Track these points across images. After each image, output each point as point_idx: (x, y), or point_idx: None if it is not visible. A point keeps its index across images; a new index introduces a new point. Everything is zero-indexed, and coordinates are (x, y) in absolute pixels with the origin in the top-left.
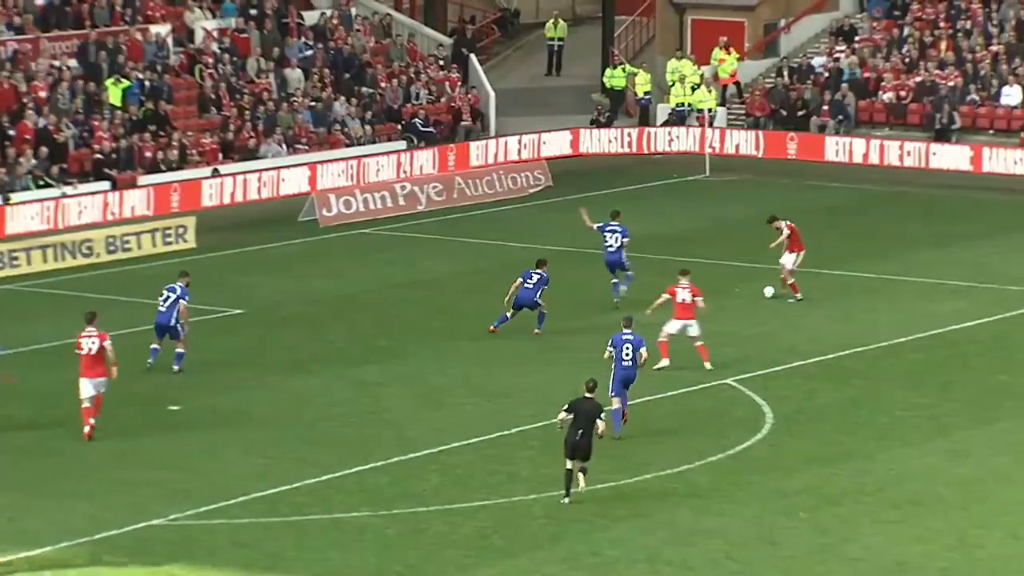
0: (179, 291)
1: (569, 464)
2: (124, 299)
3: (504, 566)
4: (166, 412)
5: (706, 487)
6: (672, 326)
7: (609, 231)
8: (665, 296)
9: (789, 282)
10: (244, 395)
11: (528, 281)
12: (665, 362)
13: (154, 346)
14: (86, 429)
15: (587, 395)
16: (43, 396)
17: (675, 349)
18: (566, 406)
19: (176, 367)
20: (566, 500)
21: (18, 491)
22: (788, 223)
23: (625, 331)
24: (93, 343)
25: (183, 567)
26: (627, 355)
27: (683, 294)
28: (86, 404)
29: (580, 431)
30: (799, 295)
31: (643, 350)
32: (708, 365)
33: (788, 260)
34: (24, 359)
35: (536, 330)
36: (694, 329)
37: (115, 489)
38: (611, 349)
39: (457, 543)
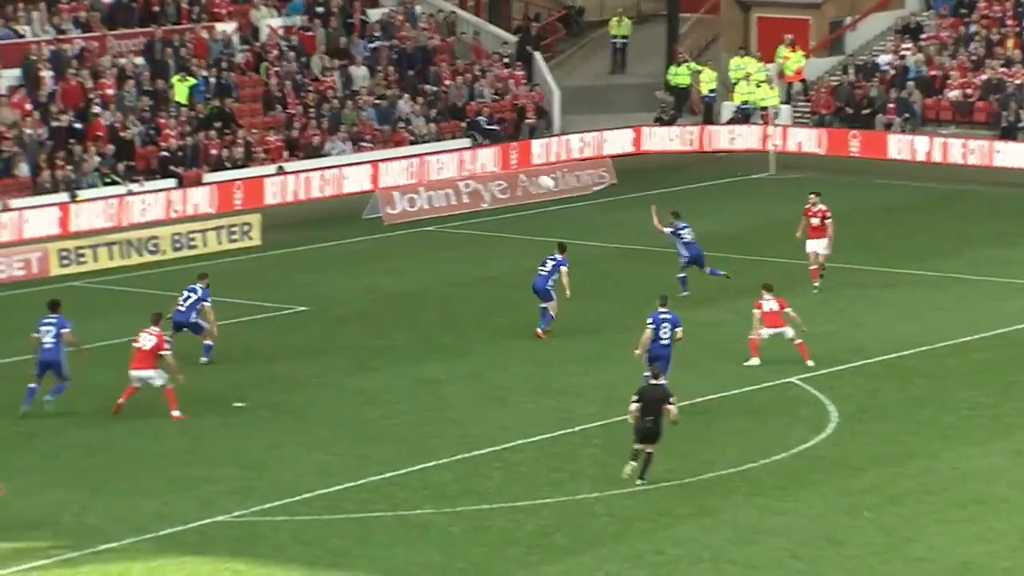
0: (200, 292)
1: (638, 446)
2: None
3: (567, 564)
4: (231, 409)
5: (770, 485)
6: (764, 332)
7: (682, 229)
8: (756, 312)
9: (816, 267)
10: (308, 392)
11: (543, 267)
12: (755, 361)
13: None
14: (120, 400)
15: (653, 382)
16: (109, 392)
17: (736, 349)
18: (635, 396)
19: (205, 359)
20: (628, 470)
21: (84, 487)
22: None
23: (662, 310)
24: (150, 340)
25: (246, 563)
26: (665, 334)
27: (769, 304)
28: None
29: (650, 418)
30: (818, 284)
31: (679, 330)
32: (810, 363)
33: (822, 245)
34: (81, 356)
35: (538, 329)
36: (788, 333)
37: (180, 485)
38: (651, 327)
39: (520, 540)
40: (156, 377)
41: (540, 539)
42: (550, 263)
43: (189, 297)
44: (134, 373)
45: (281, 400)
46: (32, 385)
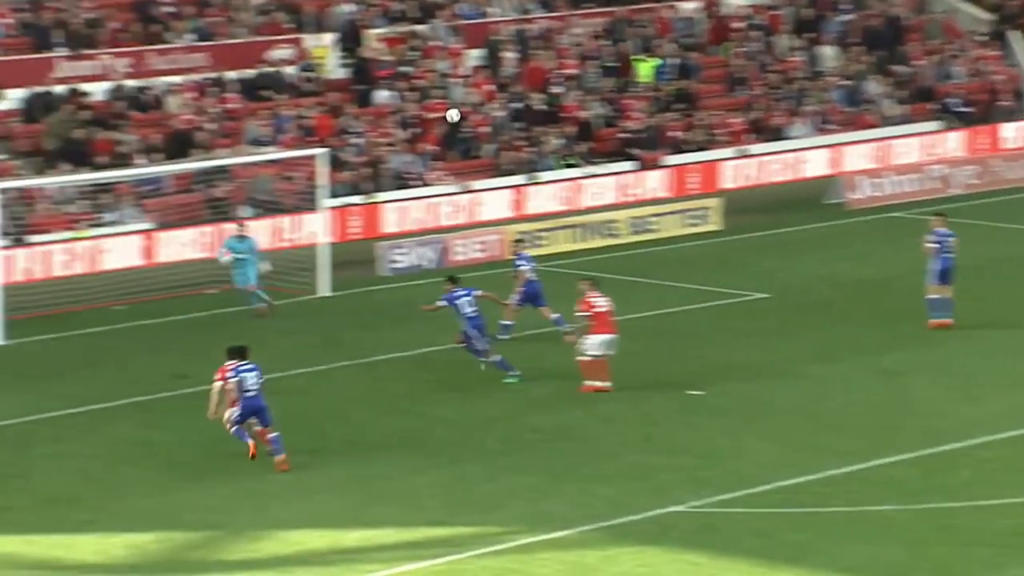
0: (529, 257)
1: None
2: (646, 281)
3: None
4: (687, 397)
5: None
6: None
7: None
8: None
9: None
10: (767, 381)
11: (948, 250)
12: None
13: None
14: (597, 383)
15: None
16: (564, 377)
17: None
18: None
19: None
20: None
21: (541, 473)
22: None
23: None
24: (606, 301)
25: (701, 555)
26: None
27: None
28: (589, 358)
29: None
30: None
31: None
32: None
33: None
34: (544, 338)
35: (944, 319)
36: None
37: (636, 474)
38: None
39: (988, 541)
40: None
41: (1011, 539)
42: (950, 240)
43: (523, 265)
44: (605, 338)
45: (739, 388)
46: (497, 358)
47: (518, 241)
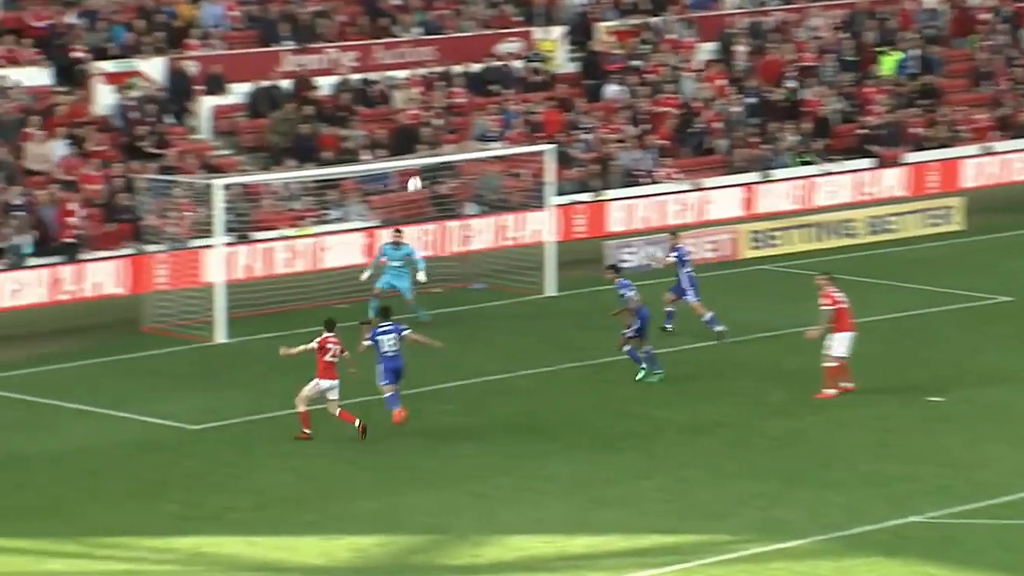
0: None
1: None
2: (884, 282)
3: None
4: (926, 403)
5: None
6: None
7: None
8: None
9: None
10: (1011, 386)
11: None
12: None
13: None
14: (835, 390)
15: None
16: (798, 381)
17: None
18: None
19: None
20: None
21: (774, 479)
22: None
23: None
24: (845, 298)
25: (941, 568)
26: None
27: None
28: (833, 363)
29: None
30: None
31: None
32: None
33: None
34: (778, 341)
35: None
36: None
37: (872, 481)
38: None
39: None
40: None
41: None
42: None
43: (672, 257)
44: (848, 336)
45: (982, 394)
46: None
47: (674, 234)
